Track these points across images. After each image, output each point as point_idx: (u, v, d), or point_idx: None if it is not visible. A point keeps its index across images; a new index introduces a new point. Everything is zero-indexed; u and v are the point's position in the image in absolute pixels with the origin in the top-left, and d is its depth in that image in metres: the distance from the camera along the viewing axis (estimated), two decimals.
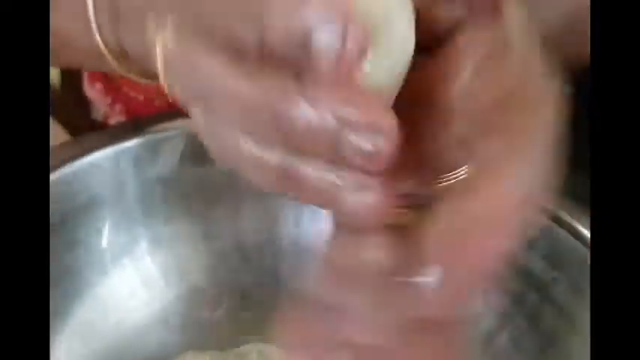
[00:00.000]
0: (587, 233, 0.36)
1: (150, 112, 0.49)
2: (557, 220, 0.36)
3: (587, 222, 0.36)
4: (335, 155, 0.18)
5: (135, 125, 0.41)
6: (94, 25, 0.28)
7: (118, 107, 0.52)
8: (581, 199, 0.39)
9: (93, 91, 0.53)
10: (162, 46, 0.20)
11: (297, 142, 0.18)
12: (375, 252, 0.20)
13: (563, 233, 0.36)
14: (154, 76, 0.29)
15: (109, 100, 0.52)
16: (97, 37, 0.28)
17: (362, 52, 0.18)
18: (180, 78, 0.20)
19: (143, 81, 0.30)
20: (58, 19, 0.29)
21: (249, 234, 0.43)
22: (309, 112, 0.18)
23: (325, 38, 0.18)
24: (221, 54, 0.19)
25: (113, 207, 0.40)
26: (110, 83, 0.52)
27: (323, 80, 0.18)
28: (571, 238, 0.36)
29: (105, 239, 0.40)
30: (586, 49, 0.22)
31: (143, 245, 0.42)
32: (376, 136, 0.18)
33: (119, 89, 0.51)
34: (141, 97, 0.50)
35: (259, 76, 0.19)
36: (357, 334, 0.20)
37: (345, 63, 0.18)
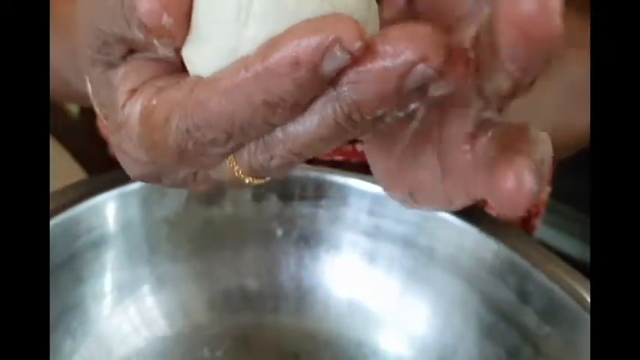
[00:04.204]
0: (581, 290, 0.37)
1: None
2: (553, 277, 0.37)
3: (582, 279, 0.37)
4: None
5: None
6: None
7: None
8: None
9: (105, 129, 0.54)
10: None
11: None
12: None
13: (557, 290, 0.37)
14: None
15: None
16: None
17: None
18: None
19: None
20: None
21: (251, 275, 0.44)
22: None
23: None
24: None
25: (119, 247, 0.41)
26: None
27: None
28: (565, 295, 0.37)
29: (109, 278, 0.41)
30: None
31: (146, 284, 0.42)
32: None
33: None
34: None
35: None
36: None
37: None
